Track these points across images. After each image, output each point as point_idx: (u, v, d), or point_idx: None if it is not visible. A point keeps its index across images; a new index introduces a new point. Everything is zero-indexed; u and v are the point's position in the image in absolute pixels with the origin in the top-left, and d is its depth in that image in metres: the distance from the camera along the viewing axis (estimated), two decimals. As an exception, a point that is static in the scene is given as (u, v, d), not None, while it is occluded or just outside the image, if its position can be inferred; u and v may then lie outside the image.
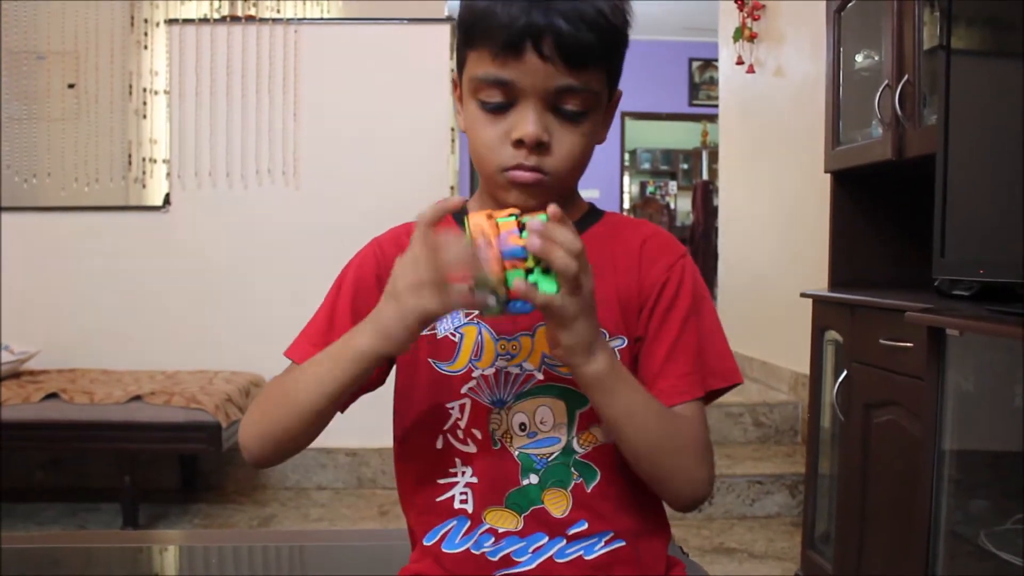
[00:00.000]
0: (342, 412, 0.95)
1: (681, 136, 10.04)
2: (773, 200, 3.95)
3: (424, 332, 0.92)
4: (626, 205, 9.46)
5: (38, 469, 3.47)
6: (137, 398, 2.87)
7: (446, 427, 0.93)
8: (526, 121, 0.87)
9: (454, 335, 0.94)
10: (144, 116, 4.12)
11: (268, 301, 3.49)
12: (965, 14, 1.83)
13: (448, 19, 3.65)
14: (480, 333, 0.93)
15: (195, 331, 3.51)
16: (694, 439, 0.91)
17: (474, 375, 0.93)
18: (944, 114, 1.85)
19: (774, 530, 3.02)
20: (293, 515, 3.18)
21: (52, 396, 2.89)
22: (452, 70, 0.98)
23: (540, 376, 0.92)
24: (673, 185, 10.59)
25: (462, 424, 0.93)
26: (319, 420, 0.89)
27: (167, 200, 3.53)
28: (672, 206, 9.89)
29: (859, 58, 2.50)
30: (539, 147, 0.88)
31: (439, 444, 0.93)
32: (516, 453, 0.92)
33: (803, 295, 2.47)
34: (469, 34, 0.89)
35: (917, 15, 2.13)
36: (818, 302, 2.45)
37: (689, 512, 0.95)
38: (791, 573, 2.64)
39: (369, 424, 3.04)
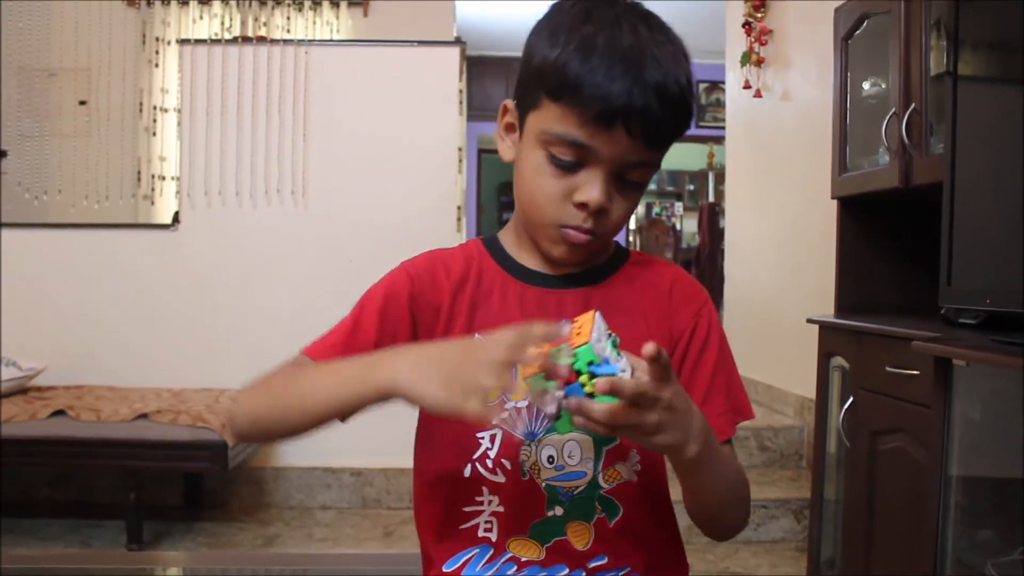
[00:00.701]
0: (342, 421, 0.95)
1: (687, 157, 10.04)
2: (779, 223, 3.96)
3: None
4: (632, 225, 9.46)
5: (43, 484, 3.48)
6: (143, 416, 2.88)
7: (476, 456, 0.94)
8: (594, 188, 0.88)
9: None
10: (154, 133, 4.16)
11: (275, 320, 3.49)
12: (971, 39, 1.85)
13: (457, 41, 3.68)
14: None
15: (202, 349, 3.51)
16: (744, 483, 0.96)
17: (507, 407, 0.93)
18: (951, 142, 1.86)
19: (779, 555, 3.01)
20: (297, 535, 3.18)
21: (59, 413, 2.90)
22: (508, 102, 0.97)
23: None
24: (679, 206, 10.60)
25: (492, 454, 0.94)
26: (321, 425, 0.88)
27: (176, 218, 3.55)
28: (678, 227, 9.89)
29: (866, 85, 2.51)
30: (599, 212, 0.90)
31: (467, 472, 0.94)
32: (543, 485, 0.93)
33: (809, 321, 2.47)
34: (557, 87, 0.87)
35: (924, 43, 2.15)
36: (824, 328, 2.45)
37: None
38: (796, 599, 2.63)
39: (374, 444, 3.06)
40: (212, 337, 3.51)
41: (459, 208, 3.62)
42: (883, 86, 2.42)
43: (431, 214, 3.53)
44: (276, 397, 0.91)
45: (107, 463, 2.93)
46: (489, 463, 0.93)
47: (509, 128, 0.96)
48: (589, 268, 0.99)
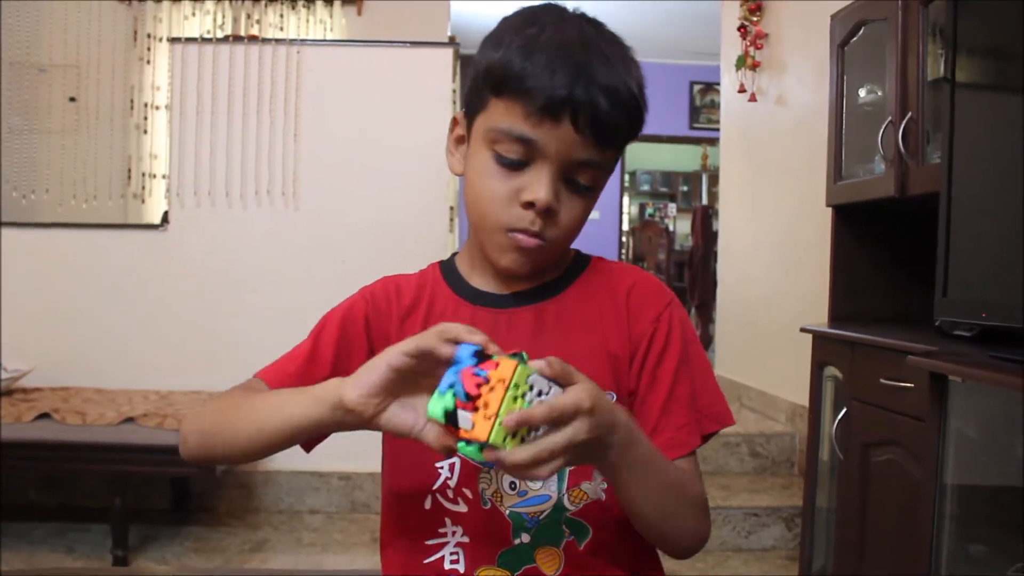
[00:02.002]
0: (307, 452, 0.96)
1: (681, 158, 10.05)
2: (774, 229, 3.94)
3: None
4: (625, 227, 9.45)
5: (31, 488, 3.44)
6: (130, 420, 2.84)
7: (435, 487, 0.92)
8: (541, 185, 0.86)
9: None
10: (144, 131, 4.11)
11: (265, 322, 3.46)
12: (969, 46, 1.83)
13: (451, 42, 3.65)
14: None
15: (191, 351, 3.48)
16: (695, 497, 0.90)
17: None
18: (948, 152, 1.84)
19: (770, 563, 2.99)
20: (286, 539, 3.15)
21: (44, 416, 2.86)
22: (458, 114, 0.95)
23: None
24: (672, 207, 10.59)
25: (452, 484, 0.91)
26: (268, 447, 0.86)
27: (165, 218, 3.51)
28: (671, 228, 9.89)
29: (862, 92, 2.50)
30: (547, 213, 0.87)
31: (427, 504, 0.92)
32: (507, 512, 0.91)
33: (803, 330, 2.45)
34: (501, 83, 0.86)
35: (921, 51, 2.13)
36: (818, 337, 2.43)
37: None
38: (787, 609, 2.62)
39: (363, 448, 3.02)
40: (201, 339, 3.48)
41: (452, 208, 3.59)
42: (879, 93, 2.40)
43: (424, 215, 3.50)
44: (226, 417, 0.89)
45: (93, 467, 2.89)
46: (450, 493, 0.91)
47: (459, 141, 0.95)
48: (542, 283, 0.97)
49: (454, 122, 0.95)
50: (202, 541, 3.10)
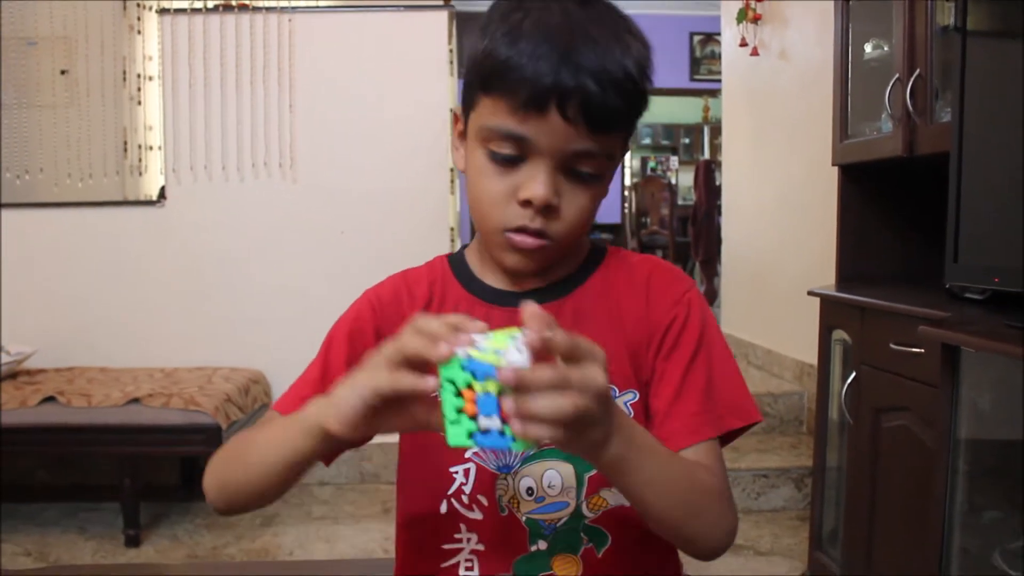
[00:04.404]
0: (327, 465, 0.89)
1: (682, 111, 9.93)
2: (778, 185, 3.88)
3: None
4: (627, 181, 9.37)
5: (40, 468, 3.45)
6: (135, 400, 2.83)
7: (450, 492, 0.89)
8: (537, 181, 0.81)
9: None
10: (139, 102, 4.05)
11: (266, 295, 3.44)
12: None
13: (446, 4, 3.56)
14: None
15: (193, 326, 3.46)
16: (716, 492, 0.83)
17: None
18: (959, 110, 1.79)
19: (780, 525, 3.00)
20: (296, 513, 3.16)
21: (49, 399, 2.85)
22: (453, 109, 0.91)
23: None
24: (674, 160, 10.51)
25: (467, 489, 0.89)
26: (275, 485, 0.81)
27: (162, 194, 3.47)
28: (674, 181, 9.81)
29: (868, 48, 2.43)
30: (547, 210, 0.83)
31: (443, 509, 0.89)
32: (524, 519, 0.88)
33: (811, 293, 2.41)
34: (487, 79, 0.82)
35: (930, 7, 2.07)
36: (826, 301, 2.40)
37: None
38: (798, 572, 2.62)
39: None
40: (203, 314, 3.46)
41: (452, 171, 3.53)
42: (886, 49, 2.34)
43: (424, 180, 3.46)
44: (233, 464, 0.85)
45: (100, 449, 2.90)
46: (465, 499, 0.88)
47: (461, 136, 0.90)
48: (558, 279, 0.93)
49: (455, 117, 0.91)
50: (213, 517, 3.11)
